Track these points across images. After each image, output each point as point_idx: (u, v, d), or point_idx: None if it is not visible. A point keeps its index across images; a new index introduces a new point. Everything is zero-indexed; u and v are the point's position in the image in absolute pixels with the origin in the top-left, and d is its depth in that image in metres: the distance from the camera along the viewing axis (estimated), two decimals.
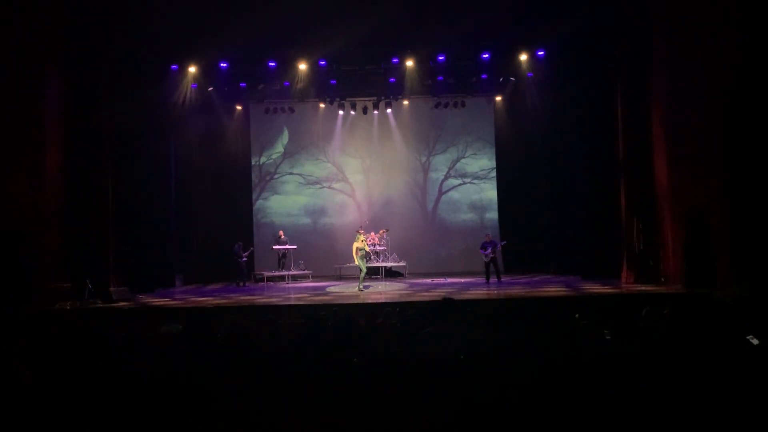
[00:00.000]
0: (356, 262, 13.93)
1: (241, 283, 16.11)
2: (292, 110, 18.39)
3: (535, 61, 15.73)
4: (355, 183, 19.57)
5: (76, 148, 13.09)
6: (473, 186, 19.33)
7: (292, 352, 4.29)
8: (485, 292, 13.04)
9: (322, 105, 18.46)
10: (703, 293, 10.56)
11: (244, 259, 16.43)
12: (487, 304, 10.94)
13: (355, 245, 13.87)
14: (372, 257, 17.66)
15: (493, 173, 19.12)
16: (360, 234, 14.32)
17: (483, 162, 19.29)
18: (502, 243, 16.05)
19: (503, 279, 15.15)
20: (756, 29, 10.13)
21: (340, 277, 17.71)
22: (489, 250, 14.92)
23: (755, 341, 4.14)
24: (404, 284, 15.36)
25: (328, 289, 14.32)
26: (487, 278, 14.93)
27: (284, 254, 17.50)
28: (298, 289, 14.76)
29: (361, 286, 13.80)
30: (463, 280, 15.81)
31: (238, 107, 18.83)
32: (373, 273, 17.44)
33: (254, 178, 19.48)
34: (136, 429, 3.14)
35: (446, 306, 6.58)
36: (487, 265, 14.99)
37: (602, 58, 14.61)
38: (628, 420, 3.06)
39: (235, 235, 17.42)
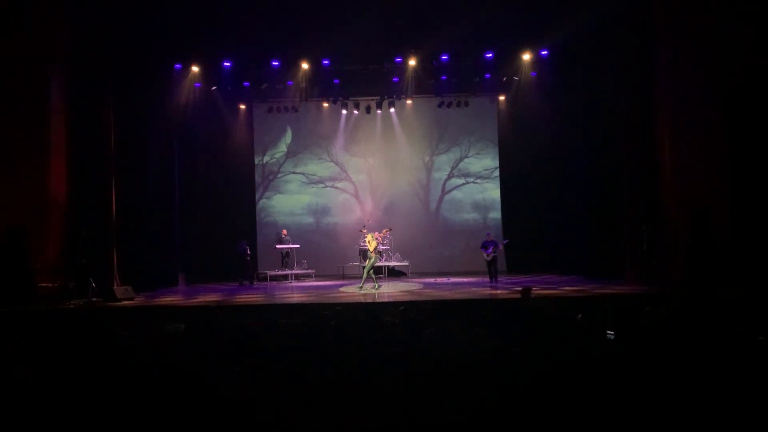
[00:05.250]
0: (367, 262, 13.86)
1: (246, 282, 16.15)
2: (295, 110, 18.41)
3: (539, 60, 15.74)
4: (358, 182, 19.58)
5: (79, 148, 13.15)
6: (476, 186, 19.33)
7: (295, 352, 4.30)
8: (487, 291, 13.02)
9: (325, 104, 18.48)
10: (707, 293, 10.55)
11: (249, 257, 16.48)
12: (488, 304, 10.93)
13: (374, 245, 13.85)
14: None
15: (496, 173, 19.12)
16: (369, 233, 14.28)
17: (486, 162, 19.29)
18: (504, 242, 16.04)
19: (499, 279, 15.10)
20: (759, 27, 10.10)
21: (343, 276, 17.72)
22: (490, 250, 14.94)
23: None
24: (407, 284, 15.34)
25: (341, 289, 14.29)
26: (491, 277, 14.96)
27: (287, 253, 17.52)
28: (301, 289, 14.77)
29: (370, 285, 13.80)
30: (465, 279, 15.81)
31: (242, 107, 18.87)
32: (375, 272, 17.43)
33: (257, 178, 19.51)
34: (138, 427, 3.15)
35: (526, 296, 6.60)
36: (488, 264, 15.03)
37: (606, 58, 14.57)
38: (631, 420, 3.05)
39: (238, 234, 17.45)
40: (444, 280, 15.87)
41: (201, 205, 17.73)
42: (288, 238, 17.56)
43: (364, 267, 14.36)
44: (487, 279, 15.13)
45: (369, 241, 13.78)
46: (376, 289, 13.55)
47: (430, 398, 3.19)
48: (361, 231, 17.87)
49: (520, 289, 9.48)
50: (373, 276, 13.83)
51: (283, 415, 3.15)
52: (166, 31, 14.21)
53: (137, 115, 14.65)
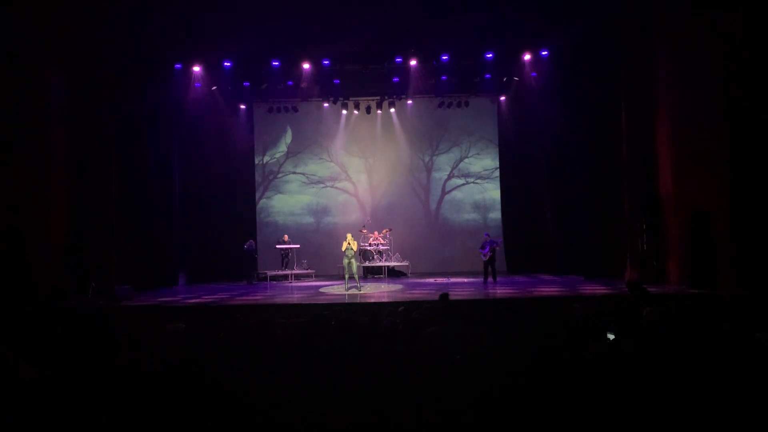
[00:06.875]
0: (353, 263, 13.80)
1: (251, 281, 16.27)
2: (295, 109, 18.41)
3: (539, 61, 15.75)
4: (358, 182, 19.59)
5: (80, 147, 13.16)
6: (476, 186, 19.34)
7: (295, 352, 4.30)
8: (487, 292, 13.03)
9: (325, 104, 18.47)
10: (706, 293, 10.55)
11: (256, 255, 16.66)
12: (488, 304, 10.95)
13: (355, 245, 13.85)
14: (375, 256, 17.70)
15: (497, 173, 19.11)
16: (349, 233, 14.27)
17: (486, 162, 19.30)
18: (497, 242, 15.98)
19: (498, 279, 14.99)
20: (760, 27, 10.10)
21: (343, 276, 17.72)
22: (487, 249, 14.88)
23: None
24: (407, 284, 15.34)
25: (321, 290, 14.28)
26: (485, 279, 14.87)
27: (287, 253, 17.55)
28: (301, 288, 14.79)
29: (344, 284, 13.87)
30: (466, 279, 15.80)
31: (242, 106, 18.87)
32: (376, 272, 17.49)
33: (258, 177, 19.51)
34: (139, 426, 3.16)
35: (443, 302, 6.63)
36: (485, 265, 14.96)
37: (606, 59, 14.61)
38: (631, 419, 3.06)
39: (239, 234, 17.53)
40: (444, 280, 15.86)
41: (201, 205, 17.73)
42: (289, 241, 17.65)
43: (360, 267, 14.41)
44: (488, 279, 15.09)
45: (351, 241, 13.70)
46: (347, 290, 13.52)
47: (430, 398, 3.19)
48: (361, 231, 17.91)
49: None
50: (347, 277, 13.74)
51: (283, 415, 3.16)
52: (166, 31, 14.22)
53: (137, 114, 14.66)
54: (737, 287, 10.24)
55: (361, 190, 19.60)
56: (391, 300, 11.90)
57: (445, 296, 7.34)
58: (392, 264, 17.63)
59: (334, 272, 18.04)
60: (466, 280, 15.76)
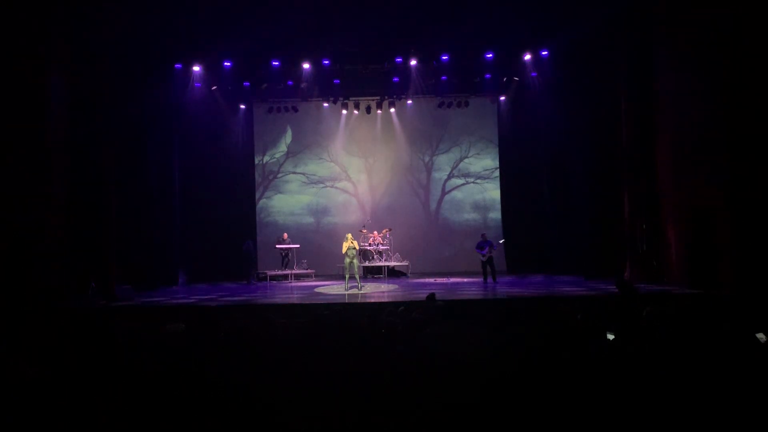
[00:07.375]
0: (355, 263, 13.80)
1: (250, 281, 16.27)
2: (295, 109, 18.42)
3: (539, 61, 15.78)
4: (358, 182, 19.59)
5: (80, 147, 13.15)
6: (476, 186, 19.34)
7: (295, 352, 4.30)
8: (487, 292, 13.04)
9: (325, 104, 18.48)
10: (706, 293, 10.55)
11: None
12: (488, 304, 10.95)
13: (356, 245, 13.86)
14: (375, 256, 17.71)
15: (497, 173, 19.12)
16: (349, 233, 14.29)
17: (486, 162, 19.30)
18: (501, 242, 15.98)
19: (498, 279, 15.00)
20: (760, 27, 10.10)
21: (342, 276, 17.74)
22: (486, 250, 14.89)
23: (763, 338, 4.16)
24: (407, 284, 15.34)
25: (317, 290, 14.28)
26: (485, 278, 14.89)
27: (287, 253, 17.56)
28: (301, 288, 14.79)
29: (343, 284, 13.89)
30: (466, 279, 15.80)
31: (242, 106, 18.87)
32: (376, 272, 17.50)
33: (257, 177, 19.51)
34: (139, 426, 3.16)
35: (430, 302, 6.65)
36: (483, 265, 14.96)
37: (606, 59, 14.63)
38: (631, 419, 3.06)
39: (239, 234, 17.53)
40: (444, 280, 15.87)
41: (201, 205, 17.73)
42: (289, 240, 17.66)
43: (360, 267, 14.41)
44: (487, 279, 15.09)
45: (352, 241, 13.71)
46: (347, 290, 13.52)
47: (430, 397, 3.19)
48: (361, 231, 17.92)
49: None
50: (347, 276, 13.73)
51: (283, 415, 3.16)
52: (166, 31, 14.24)
53: (137, 114, 14.67)
54: (737, 287, 10.24)
55: (361, 190, 19.60)
56: (391, 300, 11.90)
57: (431, 297, 7.35)
58: (392, 264, 17.64)
59: (334, 272, 18.05)
60: (466, 280, 15.76)
